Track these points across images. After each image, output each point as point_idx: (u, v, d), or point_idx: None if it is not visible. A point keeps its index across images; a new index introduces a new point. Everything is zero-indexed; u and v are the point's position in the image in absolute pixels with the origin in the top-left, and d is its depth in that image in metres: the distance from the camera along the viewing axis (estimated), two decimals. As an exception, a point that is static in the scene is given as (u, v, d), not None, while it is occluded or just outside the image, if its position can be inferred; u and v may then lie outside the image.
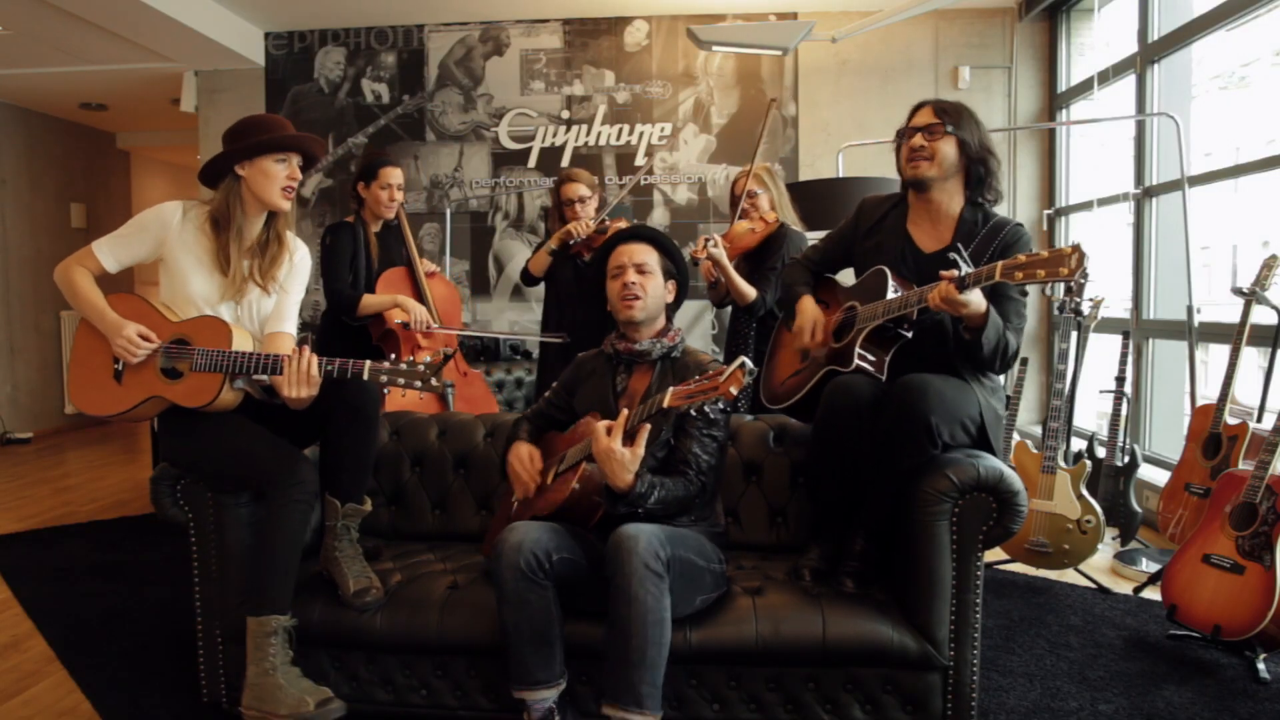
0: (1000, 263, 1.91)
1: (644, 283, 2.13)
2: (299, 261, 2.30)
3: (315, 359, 2.02)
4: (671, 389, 1.83)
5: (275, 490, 2.05)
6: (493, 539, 2.19)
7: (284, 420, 2.17)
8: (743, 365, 1.72)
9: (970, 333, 2.05)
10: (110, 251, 2.16)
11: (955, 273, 1.96)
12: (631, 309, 2.13)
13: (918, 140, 2.19)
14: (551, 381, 2.39)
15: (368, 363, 2.01)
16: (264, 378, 2.07)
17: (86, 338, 2.17)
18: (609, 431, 1.88)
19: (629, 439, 1.89)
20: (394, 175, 3.18)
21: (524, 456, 2.20)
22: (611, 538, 1.85)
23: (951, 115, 2.19)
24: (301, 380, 2.01)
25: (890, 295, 2.17)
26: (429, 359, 2.01)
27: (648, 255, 2.17)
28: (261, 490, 2.12)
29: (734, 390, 1.73)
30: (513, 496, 2.26)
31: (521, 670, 1.88)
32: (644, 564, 1.78)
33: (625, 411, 1.92)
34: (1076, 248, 1.81)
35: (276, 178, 2.16)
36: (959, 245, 2.14)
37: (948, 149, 2.19)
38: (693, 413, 1.92)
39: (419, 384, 1.98)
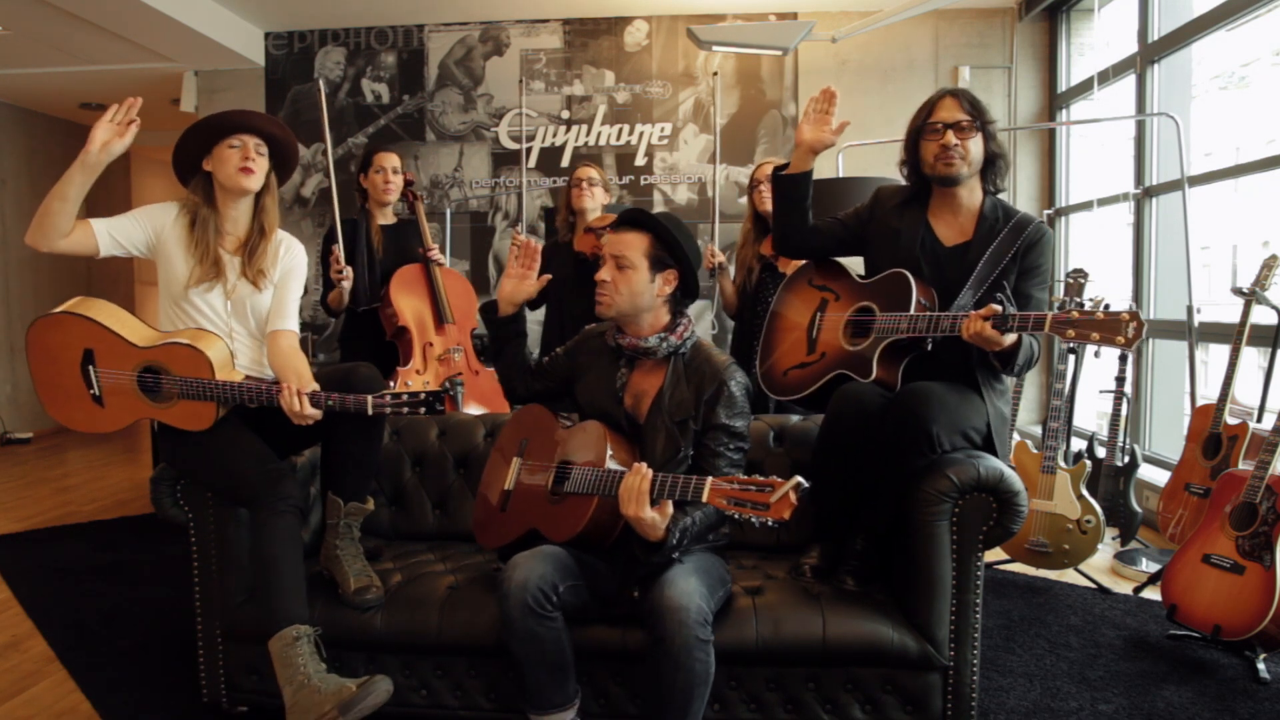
0: (1050, 315, 1.88)
1: (619, 279, 1.99)
2: (294, 258, 2.29)
3: (305, 398, 2.00)
4: (712, 483, 1.67)
5: (259, 508, 2.03)
6: (483, 527, 2.16)
7: (286, 420, 2.16)
8: (797, 486, 1.58)
9: (999, 358, 2.05)
10: (105, 223, 2.12)
11: (996, 309, 1.92)
12: (600, 307, 2.02)
13: (950, 139, 2.14)
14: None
15: (370, 397, 2.00)
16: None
17: (42, 360, 2.15)
18: (636, 496, 1.75)
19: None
20: (387, 159, 3.23)
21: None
22: (658, 603, 1.78)
23: (979, 108, 2.16)
24: (297, 419, 2.02)
25: (914, 307, 2.11)
26: (428, 383, 2.00)
27: (633, 246, 1.98)
28: (247, 506, 2.09)
29: (786, 515, 1.58)
30: (501, 478, 2.17)
31: (539, 697, 1.87)
32: (695, 636, 1.74)
33: (649, 473, 1.76)
34: (1135, 315, 1.77)
35: (231, 160, 2.15)
36: (1005, 284, 2.08)
37: (977, 147, 2.16)
38: (722, 437, 1.94)
39: (423, 410, 1.98)
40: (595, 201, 3.34)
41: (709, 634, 1.78)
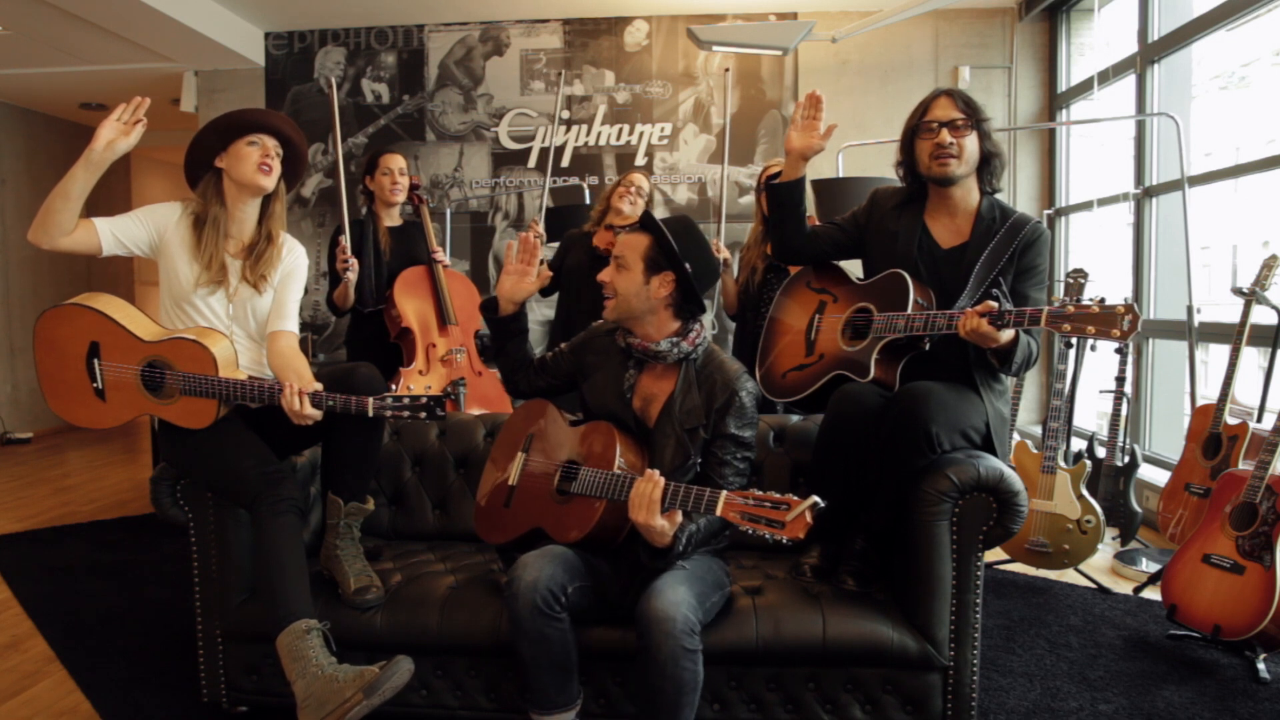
0: (1046, 309, 1.89)
1: (615, 280, 1.98)
2: (296, 260, 2.29)
3: (307, 398, 2.00)
4: (726, 497, 1.67)
5: (260, 508, 2.02)
6: (485, 521, 2.15)
7: (286, 420, 2.15)
8: (814, 505, 1.58)
9: (997, 357, 2.05)
10: (107, 222, 2.11)
11: (992, 305, 1.93)
12: (605, 310, 2.02)
13: (945, 137, 2.14)
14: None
15: (370, 400, 2.00)
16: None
17: (48, 351, 2.15)
18: (647, 504, 1.76)
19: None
20: (393, 161, 3.24)
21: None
22: (646, 611, 1.77)
23: (974, 107, 2.16)
24: (297, 419, 2.02)
25: (911, 306, 2.12)
26: (430, 386, 1.99)
27: (633, 248, 1.97)
28: (247, 507, 2.08)
29: (801, 535, 1.57)
30: (505, 472, 2.16)
31: (541, 696, 1.88)
32: (681, 646, 1.73)
33: (662, 481, 1.76)
34: (1130, 308, 1.77)
35: (250, 157, 2.15)
36: (1001, 281, 2.09)
37: (973, 144, 2.16)
38: (730, 447, 1.93)
39: (424, 416, 1.98)
40: (635, 210, 3.38)
41: (696, 643, 1.77)
